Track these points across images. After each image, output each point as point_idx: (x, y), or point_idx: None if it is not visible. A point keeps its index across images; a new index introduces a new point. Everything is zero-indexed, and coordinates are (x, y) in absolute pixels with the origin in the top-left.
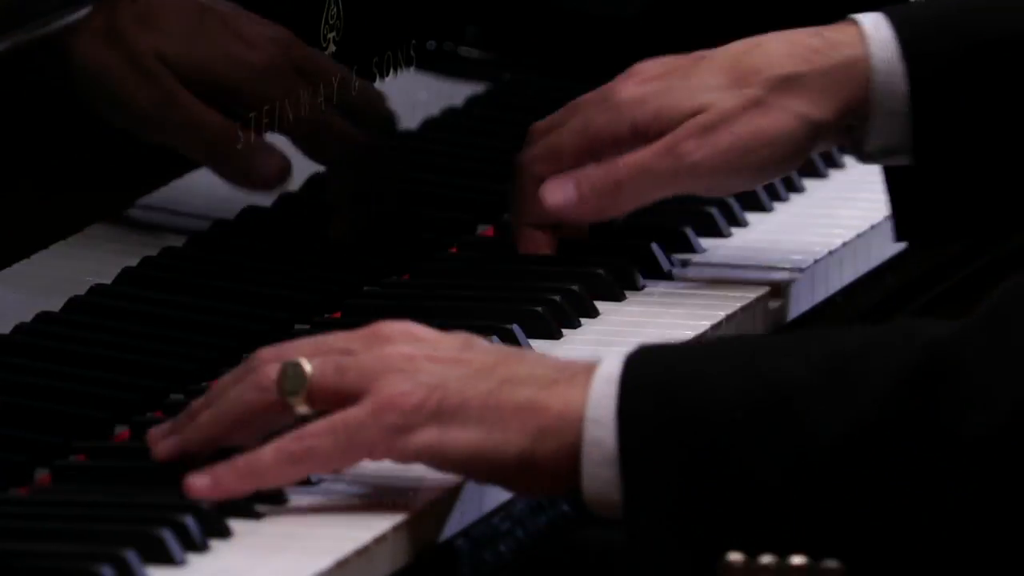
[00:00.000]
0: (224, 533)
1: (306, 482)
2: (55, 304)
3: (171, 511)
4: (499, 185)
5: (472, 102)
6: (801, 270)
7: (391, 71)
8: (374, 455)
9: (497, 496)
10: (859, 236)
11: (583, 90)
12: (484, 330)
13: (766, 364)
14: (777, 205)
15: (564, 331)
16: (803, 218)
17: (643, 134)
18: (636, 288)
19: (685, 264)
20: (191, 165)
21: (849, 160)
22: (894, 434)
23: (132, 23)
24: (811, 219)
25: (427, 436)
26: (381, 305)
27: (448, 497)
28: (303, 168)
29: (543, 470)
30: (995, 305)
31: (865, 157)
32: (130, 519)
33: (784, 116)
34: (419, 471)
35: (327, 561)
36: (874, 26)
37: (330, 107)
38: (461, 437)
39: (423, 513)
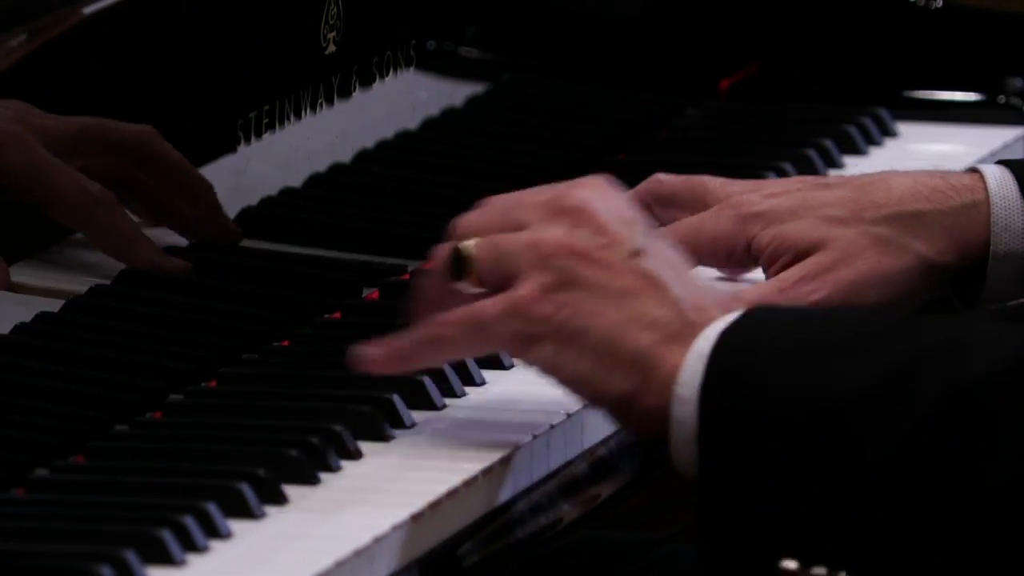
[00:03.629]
0: (223, 533)
1: (306, 482)
2: (55, 304)
3: (171, 511)
4: (498, 185)
5: (472, 102)
6: None
7: (391, 71)
8: (498, 350)
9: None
10: None
11: (583, 90)
12: None
13: (832, 373)
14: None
15: None
16: None
17: (756, 254)
18: None
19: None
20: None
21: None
22: (927, 465)
23: None
24: None
25: (544, 351)
26: (381, 305)
27: (449, 497)
28: (303, 168)
29: (639, 417)
30: None
31: (975, 307)
32: (130, 519)
33: (902, 254)
34: (422, 471)
35: (327, 561)
36: (996, 173)
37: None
38: (572, 363)
39: (423, 515)
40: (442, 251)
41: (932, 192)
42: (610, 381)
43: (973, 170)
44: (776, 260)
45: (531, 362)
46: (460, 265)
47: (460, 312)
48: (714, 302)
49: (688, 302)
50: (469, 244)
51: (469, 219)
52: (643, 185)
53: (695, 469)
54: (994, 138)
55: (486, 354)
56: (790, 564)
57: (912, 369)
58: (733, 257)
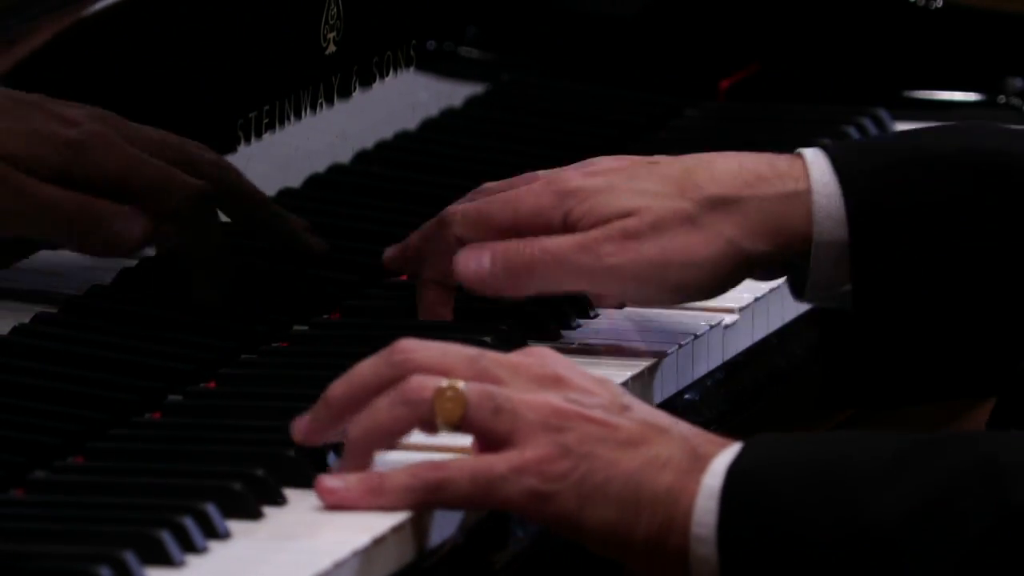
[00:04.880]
0: (222, 534)
1: (305, 483)
2: (54, 305)
3: (170, 512)
4: None
5: (471, 103)
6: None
7: (391, 71)
8: (507, 509)
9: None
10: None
11: (582, 90)
12: (482, 331)
13: (864, 499)
14: None
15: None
16: None
17: (572, 226)
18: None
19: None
20: None
21: None
22: None
23: None
24: None
25: (565, 507)
26: (380, 306)
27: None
28: (303, 168)
29: (668, 560)
30: None
31: (803, 296)
32: (129, 520)
33: (712, 238)
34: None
35: (326, 562)
36: (817, 159)
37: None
38: (597, 515)
39: (422, 514)
40: (419, 383)
41: (755, 178)
42: (637, 526)
43: (797, 155)
44: (590, 228)
45: (550, 520)
46: (450, 405)
47: (467, 463)
48: (714, 437)
49: (692, 439)
50: (461, 385)
51: (431, 356)
52: (468, 196)
53: None
54: None
55: (486, 509)
56: None
57: (951, 494)
58: (551, 231)
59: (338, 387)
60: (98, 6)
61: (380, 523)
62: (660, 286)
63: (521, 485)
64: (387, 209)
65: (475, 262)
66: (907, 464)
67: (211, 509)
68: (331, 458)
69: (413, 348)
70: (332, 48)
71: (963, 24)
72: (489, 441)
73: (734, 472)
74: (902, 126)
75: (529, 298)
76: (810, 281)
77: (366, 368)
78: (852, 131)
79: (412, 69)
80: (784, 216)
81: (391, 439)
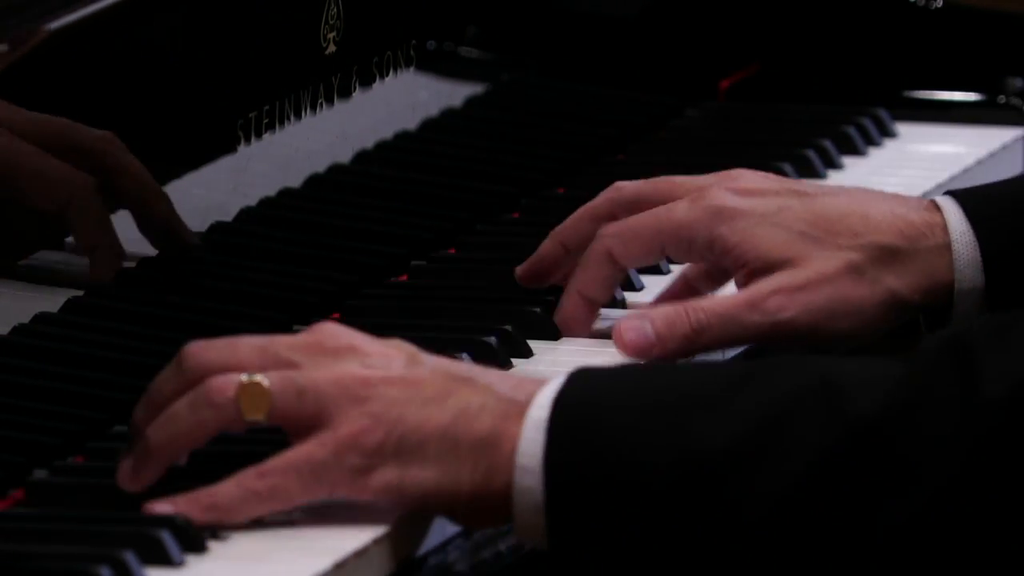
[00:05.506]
0: (223, 534)
1: None
2: (54, 304)
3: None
4: (498, 186)
5: (471, 103)
6: None
7: (391, 71)
8: (335, 493)
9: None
10: None
11: (582, 90)
12: (483, 332)
13: (694, 427)
14: None
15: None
16: None
17: (719, 252)
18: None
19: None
20: (187, 167)
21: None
22: (814, 516)
23: None
24: None
25: (387, 476)
26: (380, 306)
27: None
28: (303, 167)
29: (492, 505)
30: (917, 372)
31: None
32: (128, 520)
33: (875, 288)
34: None
35: (325, 562)
36: (952, 209)
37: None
38: (419, 476)
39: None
40: (219, 384)
41: (907, 227)
42: (460, 479)
43: (934, 204)
44: (741, 265)
45: (374, 493)
46: (254, 400)
47: (284, 460)
48: (525, 378)
49: (503, 384)
50: (260, 378)
51: (222, 354)
52: (603, 194)
53: (544, 539)
54: (994, 139)
55: (317, 499)
56: None
57: (784, 419)
58: (692, 250)
59: (140, 415)
60: (98, 6)
61: (379, 521)
62: (820, 335)
63: (344, 467)
64: (387, 209)
65: (635, 333)
66: (740, 389)
67: None
68: None
69: (200, 349)
70: (332, 48)
71: (963, 24)
72: (299, 428)
73: (561, 401)
74: (902, 126)
75: (528, 296)
76: (952, 324)
77: (160, 384)
78: (852, 131)
79: (412, 69)
80: (936, 269)
81: (194, 445)
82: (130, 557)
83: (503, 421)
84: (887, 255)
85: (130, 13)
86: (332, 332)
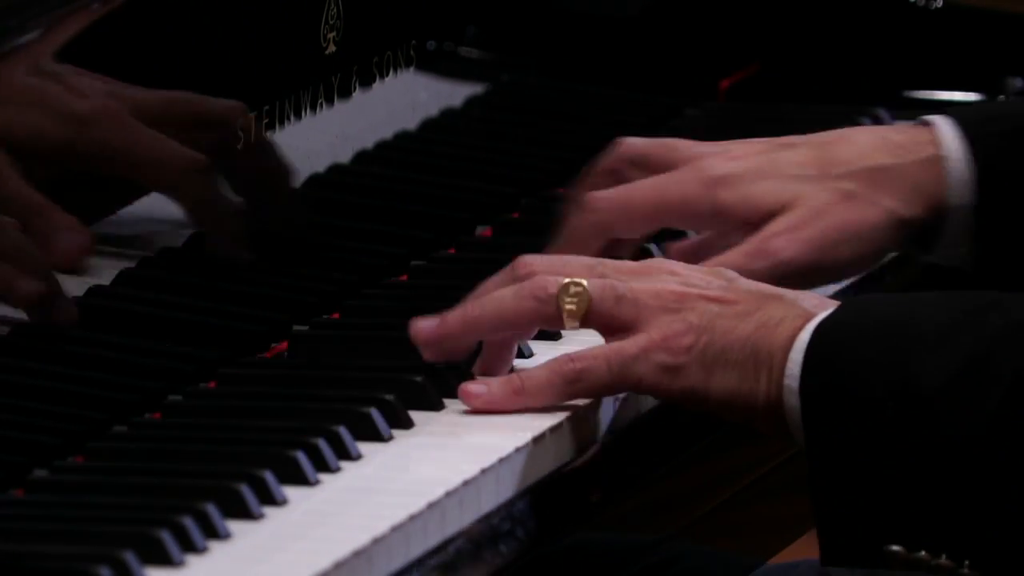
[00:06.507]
0: (222, 534)
1: (304, 483)
2: None
3: (170, 512)
4: (497, 186)
5: (471, 103)
6: None
7: (391, 71)
8: (640, 388)
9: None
10: None
11: (582, 90)
12: None
13: (914, 362)
14: None
15: None
16: None
17: (723, 214)
18: None
19: None
20: None
21: None
22: (1011, 445)
23: None
24: None
25: (693, 379)
26: (379, 306)
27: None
28: (303, 168)
29: (783, 415)
30: None
31: (932, 255)
32: (129, 520)
33: (873, 210)
34: (414, 475)
35: (325, 562)
36: (946, 126)
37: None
38: (721, 383)
39: (422, 512)
40: (544, 280)
41: (895, 147)
42: (758, 387)
43: (924, 122)
44: (745, 223)
45: (679, 393)
46: (574, 299)
47: (600, 351)
48: (829, 301)
49: (808, 300)
50: (583, 281)
51: (553, 263)
52: (611, 152)
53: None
54: None
55: (621, 393)
56: (896, 548)
57: (987, 356)
58: (698, 220)
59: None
60: (96, 9)
61: (378, 523)
62: (827, 267)
63: (652, 362)
64: (387, 209)
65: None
66: (956, 327)
67: (211, 509)
68: (327, 451)
69: (534, 259)
70: (332, 48)
71: (963, 24)
72: (615, 331)
73: (820, 328)
74: None
75: None
76: (941, 243)
77: (490, 283)
78: None
79: (412, 69)
80: (927, 181)
81: (506, 328)
82: (130, 557)
83: (797, 333)
84: (878, 175)
85: (129, 13)
86: (659, 260)
